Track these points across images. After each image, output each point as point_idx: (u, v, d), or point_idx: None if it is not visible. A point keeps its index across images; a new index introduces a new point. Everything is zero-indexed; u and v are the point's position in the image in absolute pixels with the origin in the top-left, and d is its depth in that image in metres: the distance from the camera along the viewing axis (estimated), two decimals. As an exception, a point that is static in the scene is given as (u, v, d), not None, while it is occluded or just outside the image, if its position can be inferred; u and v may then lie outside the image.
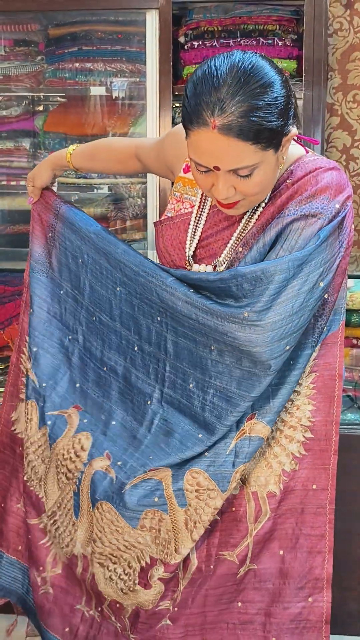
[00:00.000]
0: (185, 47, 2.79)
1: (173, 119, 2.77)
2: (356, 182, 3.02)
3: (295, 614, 1.56)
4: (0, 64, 2.92)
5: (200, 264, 1.62)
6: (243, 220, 1.58)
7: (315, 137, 2.77)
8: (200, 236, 1.63)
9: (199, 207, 1.65)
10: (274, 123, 1.37)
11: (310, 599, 1.56)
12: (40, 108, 3.07)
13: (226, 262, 1.58)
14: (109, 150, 1.93)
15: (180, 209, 1.68)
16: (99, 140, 1.97)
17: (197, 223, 1.65)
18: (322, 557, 1.57)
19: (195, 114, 1.37)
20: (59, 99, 3.07)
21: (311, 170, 1.52)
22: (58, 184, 2.97)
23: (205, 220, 1.63)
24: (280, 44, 2.68)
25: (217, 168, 1.41)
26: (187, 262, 1.64)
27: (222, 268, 1.58)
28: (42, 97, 3.06)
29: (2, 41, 2.93)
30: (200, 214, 1.65)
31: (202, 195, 1.65)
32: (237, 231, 1.58)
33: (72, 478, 1.68)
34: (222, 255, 1.59)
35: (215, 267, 1.60)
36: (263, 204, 1.56)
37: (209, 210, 1.64)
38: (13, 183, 3.00)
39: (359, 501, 2.33)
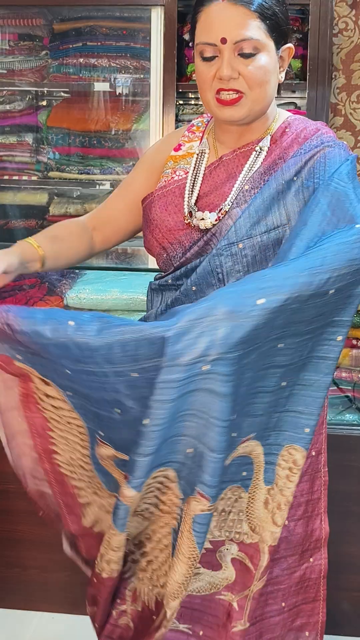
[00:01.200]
0: (190, 44, 2.78)
1: (176, 116, 2.76)
2: None
3: (299, 576, 1.63)
4: (5, 58, 2.91)
5: (203, 212, 1.62)
6: (243, 171, 1.61)
7: (319, 137, 2.77)
8: (198, 193, 1.64)
9: (194, 169, 1.67)
10: (276, 7, 1.53)
11: (311, 559, 1.63)
12: (44, 103, 3.07)
13: (230, 205, 1.59)
14: (64, 226, 1.78)
15: (173, 177, 1.70)
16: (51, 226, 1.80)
17: (194, 184, 1.66)
18: (320, 518, 1.63)
19: None
20: (62, 94, 3.06)
21: (310, 125, 1.63)
22: (61, 179, 2.98)
23: (202, 179, 1.66)
24: (285, 43, 2.67)
25: (224, 40, 1.51)
26: (184, 218, 1.63)
27: (226, 208, 1.59)
28: (45, 92, 3.06)
29: (7, 35, 2.93)
30: (196, 176, 1.67)
31: (196, 158, 1.68)
32: (239, 180, 1.62)
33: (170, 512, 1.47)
34: (228, 198, 1.60)
35: (221, 210, 1.60)
36: (265, 150, 1.62)
37: (205, 169, 1.66)
38: (15, 178, 3.00)
39: (359, 501, 2.33)
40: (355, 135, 2.96)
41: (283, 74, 1.61)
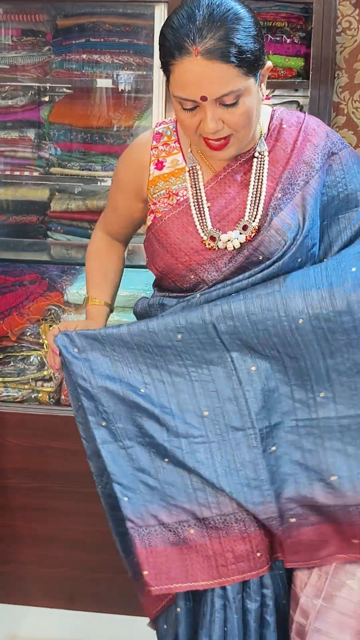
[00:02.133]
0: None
1: (179, 113, 2.76)
2: (360, 182, 3.02)
3: None
4: (8, 54, 2.90)
5: (226, 233, 1.63)
6: (252, 180, 1.62)
7: (321, 136, 2.77)
8: (210, 214, 1.64)
9: (194, 187, 1.65)
10: (251, 45, 1.44)
11: None
12: (46, 99, 3.06)
13: (257, 217, 1.61)
14: (100, 254, 1.91)
15: (178, 199, 1.67)
16: (86, 264, 1.94)
17: (199, 204, 1.65)
18: None
19: (177, 46, 1.43)
20: (65, 90, 3.06)
21: (301, 116, 1.69)
22: (62, 175, 2.98)
23: (207, 198, 1.64)
24: (288, 41, 2.67)
25: (204, 98, 1.45)
26: (204, 242, 1.63)
27: (254, 224, 1.61)
28: (48, 87, 3.05)
29: (10, 31, 2.92)
30: (198, 195, 1.65)
31: (189, 176, 1.65)
32: (251, 190, 1.62)
33: None
34: (246, 216, 1.61)
35: (245, 227, 1.61)
36: (265, 153, 1.62)
37: (205, 185, 1.64)
38: (17, 173, 3.00)
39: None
40: (357, 134, 2.95)
41: (264, 86, 1.57)
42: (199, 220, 1.63)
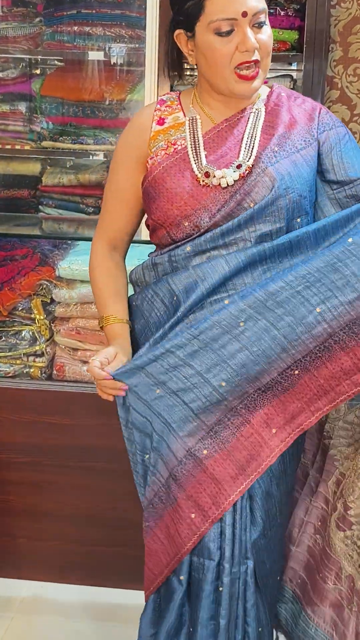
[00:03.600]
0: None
1: (171, 87, 2.73)
2: (353, 156, 3.00)
3: None
4: (-2, 25, 2.87)
5: (220, 170, 1.69)
6: (247, 130, 1.71)
7: (314, 110, 2.75)
8: (207, 160, 1.70)
9: (192, 135, 1.73)
10: None
11: None
12: (38, 71, 3.03)
13: (251, 158, 1.69)
14: (108, 273, 1.90)
15: (176, 147, 1.74)
16: (94, 283, 1.91)
17: (196, 148, 1.72)
18: None
19: None
20: (56, 62, 3.02)
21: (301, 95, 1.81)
22: (54, 149, 2.95)
23: (204, 144, 1.72)
24: (282, 14, 2.65)
25: (244, 14, 1.58)
26: (200, 180, 1.69)
27: (248, 162, 1.68)
28: (39, 60, 3.02)
29: (0, 1, 2.88)
30: (196, 141, 1.73)
31: (189, 125, 1.73)
32: (245, 137, 1.70)
33: None
34: (241, 156, 1.69)
35: (239, 166, 1.68)
36: (263, 109, 1.73)
37: (204, 135, 1.72)
38: (8, 147, 2.97)
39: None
40: (351, 109, 2.93)
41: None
42: (195, 163, 1.70)
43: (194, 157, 1.71)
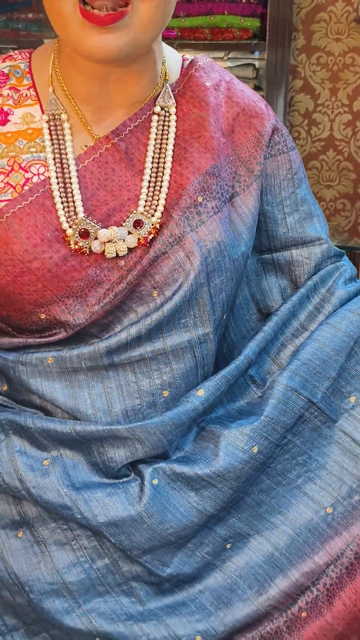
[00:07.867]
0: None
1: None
2: (317, 147, 2.96)
3: None
4: None
5: (107, 228, 1.01)
6: (148, 156, 1.03)
7: (278, 101, 2.70)
8: (82, 198, 1.01)
9: (57, 157, 1.02)
10: None
11: None
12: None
13: (157, 210, 1.02)
14: None
15: (31, 178, 1.02)
16: None
17: (65, 184, 1.01)
18: None
19: None
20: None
21: (228, 74, 1.12)
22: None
23: (79, 173, 1.02)
24: (243, 1, 2.58)
25: None
26: (71, 241, 1.00)
27: (154, 219, 1.02)
28: (-6, 48, 2.93)
29: None
30: (64, 170, 1.02)
31: (50, 135, 1.02)
32: (149, 162, 1.03)
33: None
34: (140, 206, 1.02)
35: (138, 223, 1.01)
36: (173, 108, 1.05)
37: (80, 162, 1.02)
38: None
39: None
40: (314, 99, 2.89)
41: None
42: (65, 213, 1.01)
43: (62, 201, 1.00)
